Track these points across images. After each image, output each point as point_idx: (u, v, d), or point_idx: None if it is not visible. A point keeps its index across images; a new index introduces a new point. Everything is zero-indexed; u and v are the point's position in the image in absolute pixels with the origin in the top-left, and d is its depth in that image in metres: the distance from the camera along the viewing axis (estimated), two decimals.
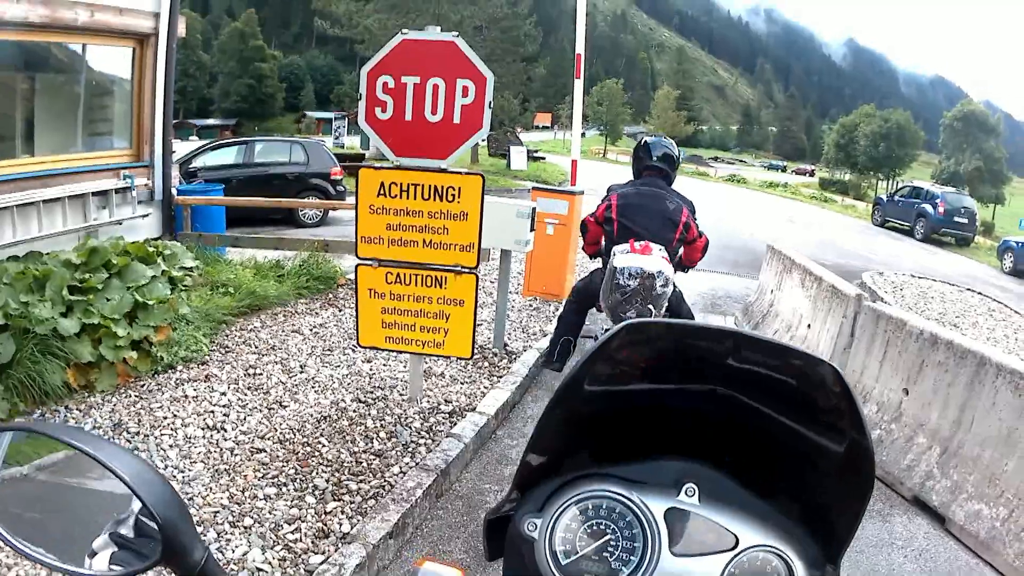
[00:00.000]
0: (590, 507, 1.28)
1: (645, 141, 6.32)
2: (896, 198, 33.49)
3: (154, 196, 10.13)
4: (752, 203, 36.52)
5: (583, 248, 6.55)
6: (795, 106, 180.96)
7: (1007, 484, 4.87)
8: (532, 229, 7.47)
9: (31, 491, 1.24)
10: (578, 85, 10.58)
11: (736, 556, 1.22)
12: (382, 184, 5.47)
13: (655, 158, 6.04)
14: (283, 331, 8.09)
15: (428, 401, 6.35)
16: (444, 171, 5.40)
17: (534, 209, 7.44)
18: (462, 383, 6.89)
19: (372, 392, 6.45)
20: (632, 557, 1.25)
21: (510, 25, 39.83)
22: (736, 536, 1.23)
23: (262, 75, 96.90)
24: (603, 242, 6.01)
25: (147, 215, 9.91)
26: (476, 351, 6.77)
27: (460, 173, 5.39)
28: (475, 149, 42.14)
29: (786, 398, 1.20)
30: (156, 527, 0.95)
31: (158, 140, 10.02)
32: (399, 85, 5.29)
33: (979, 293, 16.43)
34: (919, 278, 16.76)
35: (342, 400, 6.26)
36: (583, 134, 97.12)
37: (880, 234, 30.22)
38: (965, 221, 29.89)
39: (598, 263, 6.29)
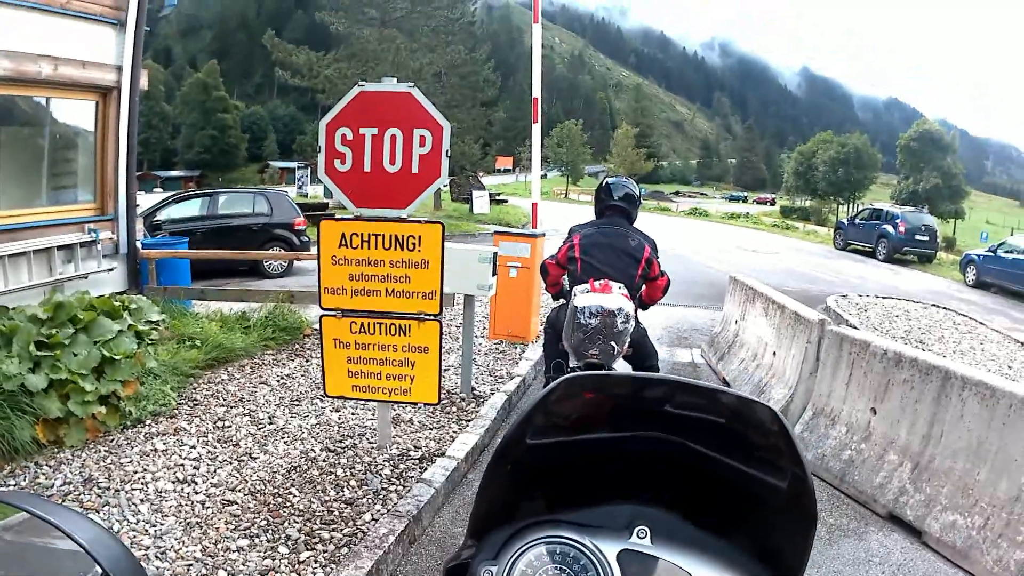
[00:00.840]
0: (545, 552, 1.29)
1: (606, 182, 6.22)
2: (857, 221, 33.79)
3: (119, 250, 10.05)
4: (715, 235, 36.88)
5: (546, 289, 6.37)
6: (753, 137, 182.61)
7: (980, 493, 4.94)
8: (494, 274, 7.58)
9: None
10: (535, 129, 10.70)
11: None
12: (343, 235, 5.52)
13: (616, 198, 5.96)
14: (251, 383, 8.04)
15: (398, 448, 6.35)
16: (404, 220, 5.47)
17: (495, 254, 7.57)
18: (431, 428, 6.89)
19: (341, 441, 6.45)
20: None
21: (469, 71, 40.22)
22: (690, 574, 1.25)
23: (225, 126, 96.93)
24: (565, 282, 5.93)
25: (112, 269, 9.85)
26: (444, 396, 6.86)
27: (420, 222, 5.47)
28: (437, 195, 42.27)
29: (726, 439, 1.24)
30: None
31: (122, 193, 9.99)
32: (357, 137, 5.38)
33: (944, 308, 16.57)
34: (883, 298, 16.84)
35: (312, 450, 6.24)
36: (544, 175, 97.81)
37: (843, 258, 30.50)
38: (926, 239, 30.16)
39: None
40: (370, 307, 5.63)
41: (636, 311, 5.55)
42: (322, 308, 5.76)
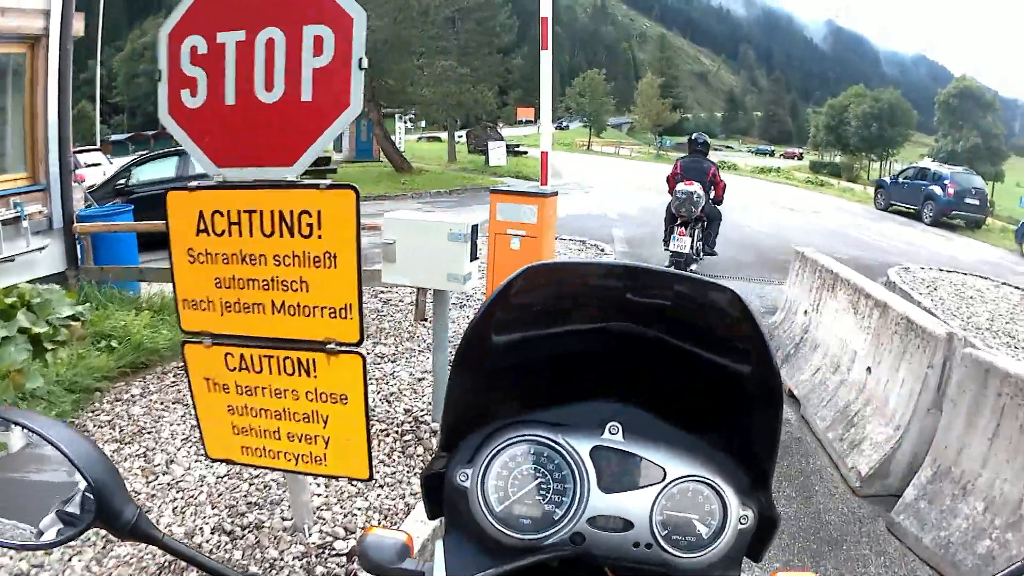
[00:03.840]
0: (519, 453, 1.31)
1: (694, 136, 13.06)
2: (900, 180, 31.34)
3: (52, 224, 8.84)
4: (747, 191, 34.13)
5: (668, 191, 12.17)
6: (779, 90, 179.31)
7: None
8: (474, 257, 5.23)
9: None
10: (545, 57, 8.68)
11: (665, 488, 1.27)
12: (201, 215, 3.32)
13: (699, 144, 12.66)
14: (163, 401, 6.23)
15: (321, 530, 4.22)
16: (295, 185, 3.21)
17: (475, 228, 5.15)
18: (383, 486, 4.78)
19: (247, 513, 4.39)
20: (564, 498, 1.29)
21: (485, 15, 37.91)
22: (663, 469, 1.28)
23: None
24: (673, 183, 11.97)
25: (44, 247, 8.59)
26: (410, 424, 5.50)
27: (318, 187, 3.18)
28: (452, 147, 40.19)
29: (690, 327, 1.26)
30: (90, 492, 0.99)
31: (53, 159, 8.76)
32: (215, 48, 3.13)
33: (1016, 287, 14.35)
34: (947, 272, 14.69)
35: (201, 528, 4.24)
36: (566, 126, 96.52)
37: (886, 219, 28.11)
38: (976, 202, 27.94)
39: None
40: (250, 330, 3.45)
41: (711, 199, 12.02)
42: (183, 331, 3.60)
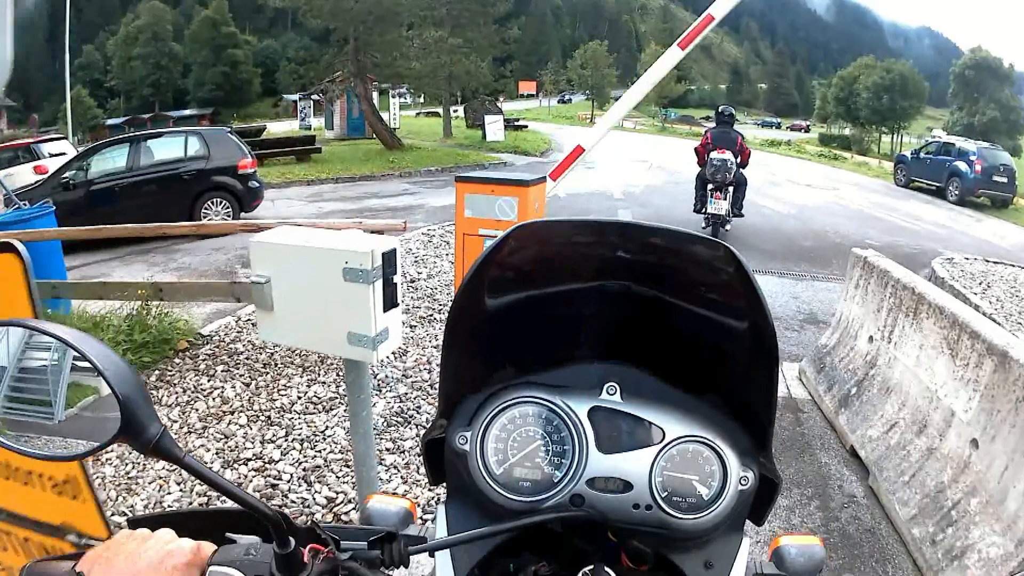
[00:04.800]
0: (517, 415, 1.31)
1: (722, 108, 14.49)
2: (923, 155, 29.36)
3: None
4: (759, 164, 32.27)
5: (697, 163, 13.72)
6: (784, 62, 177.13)
7: None
8: (393, 303, 3.31)
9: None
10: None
11: (664, 448, 1.27)
12: None
13: (725, 115, 14.05)
14: None
15: None
16: None
17: (391, 256, 3.24)
18: None
19: None
20: (563, 460, 1.28)
21: None
22: (662, 429, 1.28)
23: (236, 62, 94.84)
24: (704, 153, 13.41)
25: None
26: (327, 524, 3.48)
27: None
28: (448, 122, 38.45)
29: (685, 285, 1.27)
30: (117, 404, 0.96)
31: None
32: None
33: None
34: (994, 263, 13.04)
35: None
36: (569, 100, 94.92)
37: (910, 197, 26.24)
38: (1004, 180, 26.03)
39: None
40: None
41: (738, 165, 13.16)
42: None
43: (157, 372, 6.23)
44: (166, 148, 15.12)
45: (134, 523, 1.07)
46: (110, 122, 56.00)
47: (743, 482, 1.25)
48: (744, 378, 1.26)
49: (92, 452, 1.01)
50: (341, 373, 6.21)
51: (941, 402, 4.68)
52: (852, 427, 5.53)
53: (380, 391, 6.03)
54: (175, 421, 5.37)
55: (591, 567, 1.21)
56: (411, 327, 7.62)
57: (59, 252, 8.52)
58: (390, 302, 3.29)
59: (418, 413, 5.63)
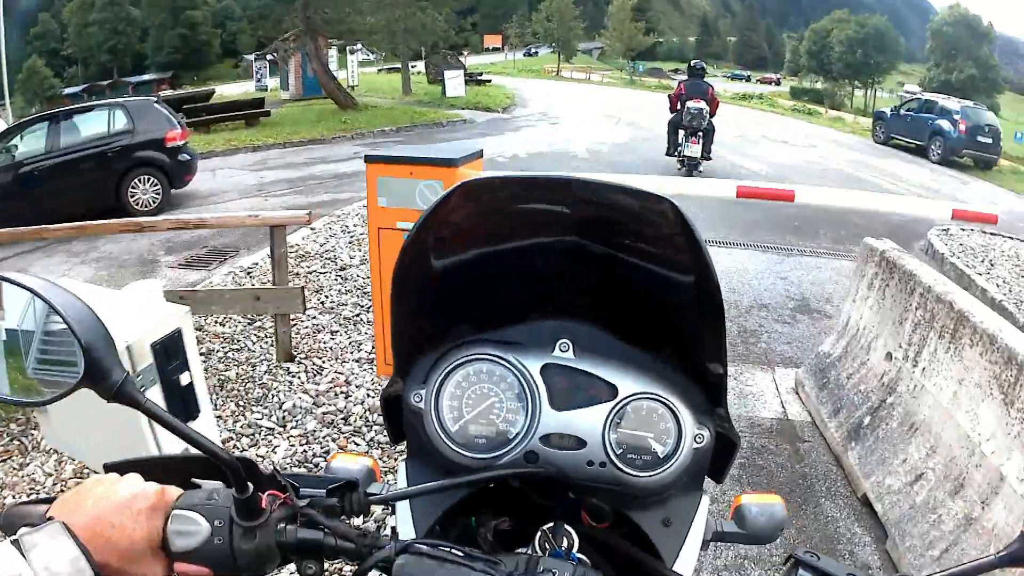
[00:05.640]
0: (471, 372, 1.30)
1: (694, 63, 16.03)
2: (903, 112, 28.21)
3: None
4: (731, 119, 30.94)
5: (670, 109, 15.58)
6: (753, 15, 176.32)
7: None
8: (194, 412, 1.97)
9: None
10: None
11: (617, 406, 1.25)
12: None
13: (698, 68, 15.61)
14: None
15: None
16: None
17: (177, 335, 2.10)
18: None
19: None
20: (517, 417, 1.27)
21: None
22: (615, 386, 1.26)
23: (194, 23, 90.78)
24: (677, 102, 15.16)
25: None
26: None
27: None
28: (406, 78, 37.14)
29: (631, 239, 1.23)
30: (80, 350, 0.95)
31: None
32: None
33: None
34: (992, 235, 11.94)
35: None
36: (535, 52, 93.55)
37: (891, 156, 25.06)
38: (989, 141, 25.10)
39: None
40: None
41: (710, 115, 14.88)
42: None
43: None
44: (89, 124, 14.02)
45: (108, 468, 1.07)
46: (68, 91, 54.46)
47: (698, 439, 1.24)
48: (693, 332, 1.24)
49: (56, 399, 1.01)
50: (242, 401, 5.07)
51: (986, 459, 3.51)
52: (865, 469, 4.39)
53: (284, 427, 4.87)
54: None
55: (551, 524, 1.20)
56: (331, 333, 6.43)
57: None
58: (184, 412, 2.08)
59: (326, 460, 4.42)
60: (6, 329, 1.29)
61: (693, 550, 1.24)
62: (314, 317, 6.76)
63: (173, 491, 1.01)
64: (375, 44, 35.69)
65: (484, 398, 1.28)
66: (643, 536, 1.24)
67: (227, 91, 40.62)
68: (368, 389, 5.40)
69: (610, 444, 1.22)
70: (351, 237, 9.38)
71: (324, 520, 1.02)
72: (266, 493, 1.00)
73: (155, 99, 16.11)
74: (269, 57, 37.44)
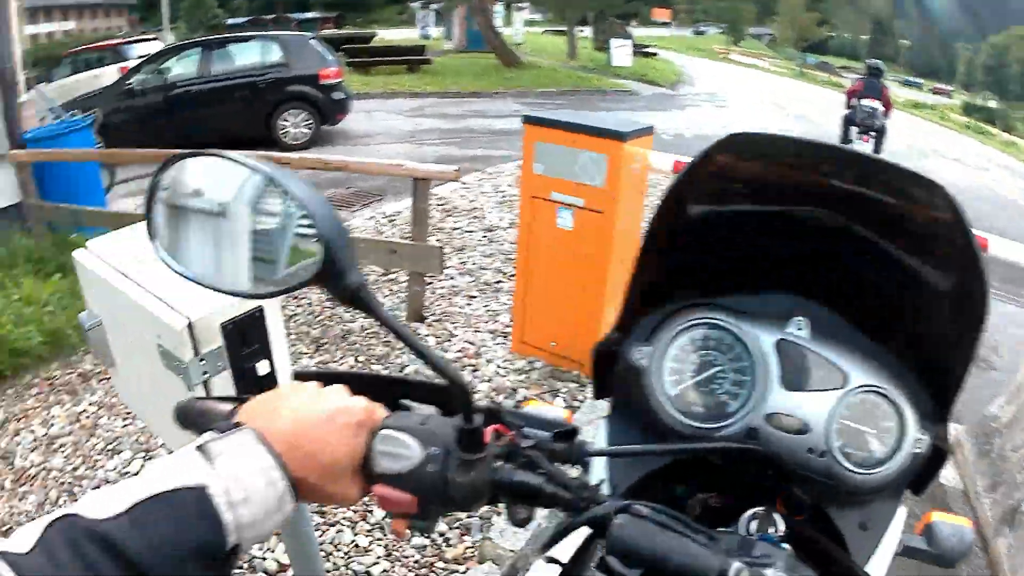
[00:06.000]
0: (699, 337, 1.28)
1: (871, 62, 15.58)
2: None
3: None
4: (901, 128, 29.49)
5: (846, 104, 15.23)
6: (931, 21, 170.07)
7: None
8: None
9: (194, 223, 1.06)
10: None
11: (846, 395, 1.20)
12: None
13: (875, 69, 15.03)
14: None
15: None
16: None
17: (259, 314, 1.73)
18: None
19: None
20: (740, 390, 1.25)
21: None
22: (846, 374, 1.21)
23: None
24: (852, 98, 14.91)
25: None
26: None
27: None
28: (572, 42, 36.84)
29: (893, 224, 1.20)
30: (320, 246, 0.90)
31: None
32: None
33: None
34: None
35: None
36: (703, 31, 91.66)
37: None
38: None
39: None
40: None
41: (884, 113, 14.53)
42: None
43: None
44: (243, 54, 14.34)
45: (299, 377, 1.02)
46: (231, 21, 55.66)
47: (918, 445, 1.18)
48: (938, 335, 1.19)
49: (287, 290, 0.98)
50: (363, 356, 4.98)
51: None
52: (1014, 563, 4.03)
53: None
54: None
55: (761, 508, 1.15)
56: (469, 297, 6.08)
57: (95, 172, 8.08)
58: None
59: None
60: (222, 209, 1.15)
61: (884, 560, 1.20)
62: (452, 278, 6.40)
63: (382, 409, 0.98)
64: (543, 3, 35.49)
65: (709, 365, 1.26)
66: (836, 536, 1.20)
67: (390, 36, 40.93)
68: (498, 366, 4.95)
69: (833, 433, 1.18)
70: (502, 197, 9.00)
71: (548, 465, 0.97)
72: (490, 428, 0.95)
73: (311, 35, 16.41)
74: (434, 6, 37.62)
